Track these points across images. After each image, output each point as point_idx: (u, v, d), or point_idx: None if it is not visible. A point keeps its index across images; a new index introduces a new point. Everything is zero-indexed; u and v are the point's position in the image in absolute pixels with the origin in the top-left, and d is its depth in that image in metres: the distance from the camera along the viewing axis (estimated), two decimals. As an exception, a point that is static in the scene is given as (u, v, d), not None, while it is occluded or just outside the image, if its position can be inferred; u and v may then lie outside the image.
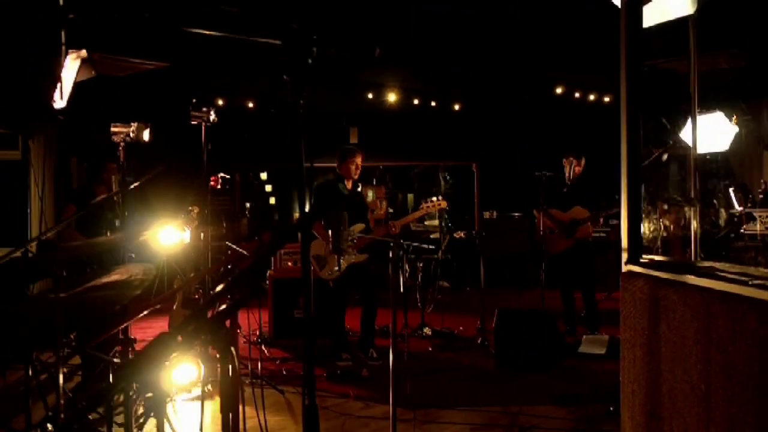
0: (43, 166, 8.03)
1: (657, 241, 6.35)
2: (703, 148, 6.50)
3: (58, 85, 4.14)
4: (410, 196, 13.46)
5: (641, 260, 2.66)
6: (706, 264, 2.38)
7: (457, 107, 10.26)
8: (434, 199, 6.62)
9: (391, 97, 9.63)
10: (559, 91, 9.02)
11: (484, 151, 11.20)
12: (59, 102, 4.16)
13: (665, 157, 8.57)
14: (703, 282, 2.16)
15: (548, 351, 6.08)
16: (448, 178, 14.43)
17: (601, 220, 6.84)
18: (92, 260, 5.10)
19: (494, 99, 9.91)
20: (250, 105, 9.47)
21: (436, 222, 10.77)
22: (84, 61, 4.26)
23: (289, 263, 7.33)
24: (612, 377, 5.74)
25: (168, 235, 5.95)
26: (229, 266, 4.54)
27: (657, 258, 2.66)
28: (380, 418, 4.86)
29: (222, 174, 9.61)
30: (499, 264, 10.44)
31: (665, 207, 5.55)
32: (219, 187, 9.58)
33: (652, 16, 3.23)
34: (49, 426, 2.33)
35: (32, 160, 7.87)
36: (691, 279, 2.22)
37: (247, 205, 12.65)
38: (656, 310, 2.41)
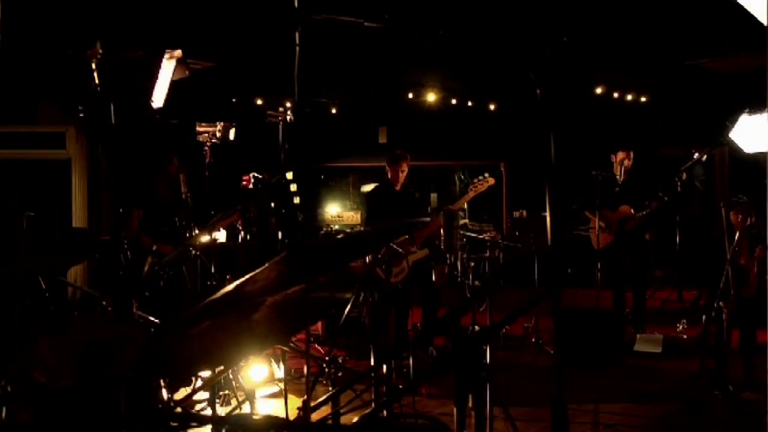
0: (86, 166, 8.02)
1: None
2: (750, 148, 6.61)
3: (156, 84, 4.15)
4: (433, 196, 13.47)
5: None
6: None
7: (492, 107, 10.32)
8: (481, 177, 6.62)
9: (431, 97, 9.68)
10: (598, 91, 9.10)
11: (514, 150, 11.26)
12: (157, 101, 4.18)
13: (704, 158, 8.66)
14: None
15: (608, 349, 6.14)
16: (462, 177, 14.45)
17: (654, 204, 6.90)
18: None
19: (529, 99, 9.95)
20: (288, 104, 9.47)
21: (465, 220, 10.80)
22: (179, 61, 4.27)
23: (341, 262, 7.34)
24: (676, 375, 5.85)
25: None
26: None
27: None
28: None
29: (254, 173, 9.56)
30: (528, 263, 10.51)
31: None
32: (251, 186, 9.55)
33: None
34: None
35: (75, 159, 7.85)
36: None
37: (272, 204, 12.58)
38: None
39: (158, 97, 4.18)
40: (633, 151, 7.02)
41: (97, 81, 2.95)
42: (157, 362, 1.89)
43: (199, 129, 4.62)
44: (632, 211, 6.88)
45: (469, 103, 10.26)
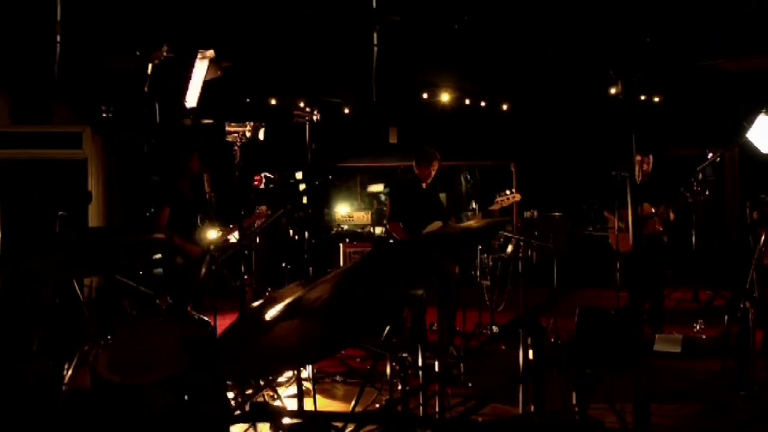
0: (103, 165, 8.03)
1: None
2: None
3: (189, 84, 4.15)
4: (442, 196, 13.44)
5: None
6: None
7: (504, 107, 10.35)
8: (507, 192, 6.68)
9: (444, 97, 9.69)
10: (612, 91, 9.11)
11: (524, 151, 11.27)
12: (190, 101, 4.18)
13: (718, 159, 8.67)
14: None
15: (631, 349, 6.14)
16: (469, 177, 14.43)
17: (672, 215, 6.93)
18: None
19: (543, 99, 9.99)
20: (301, 105, 9.50)
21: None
22: (212, 61, 4.27)
23: (359, 262, 7.37)
24: (697, 375, 5.85)
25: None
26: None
27: None
28: (490, 415, 4.90)
29: (265, 173, 9.55)
30: (540, 263, 10.52)
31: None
32: (262, 186, 9.53)
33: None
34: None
35: (91, 158, 7.86)
36: None
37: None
38: None
39: (191, 97, 4.18)
40: (652, 155, 7.05)
41: (148, 81, 2.95)
42: (233, 363, 1.89)
43: (229, 129, 4.62)
44: (652, 209, 6.90)
45: (482, 104, 10.26)
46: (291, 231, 6.53)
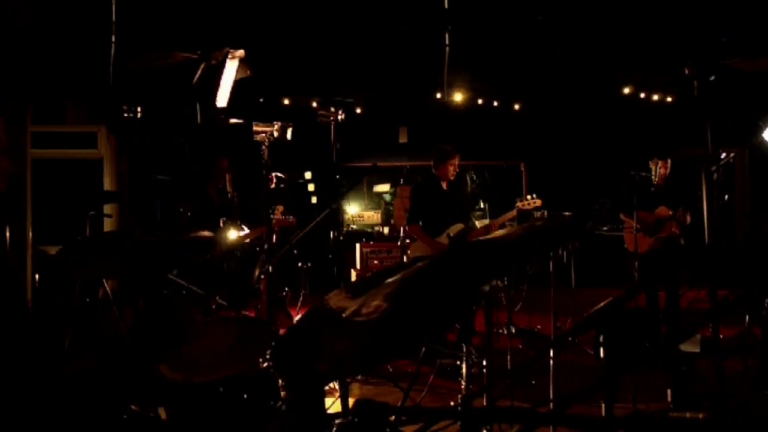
0: (117, 165, 8.02)
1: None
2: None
3: (220, 85, 4.16)
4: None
5: None
6: None
7: (516, 107, 10.36)
8: (529, 197, 6.71)
9: (457, 97, 9.71)
10: (626, 91, 9.14)
11: (534, 150, 11.28)
12: (221, 101, 4.19)
13: (731, 159, 8.70)
14: None
15: (652, 349, 6.16)
16: (475, 177, 14.43)
17: (688, 218, 6.95)
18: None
19: (553, 99, 10.00)
20: (314, 104, 9.54)
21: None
22: (241, 61, 4.28)
23: (376, 261, 7.38)
24: (715, 374, 5.84)
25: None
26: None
27: None
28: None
29: (276, 173, 9.56)
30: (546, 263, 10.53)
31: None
32: (273, 186, 9.54)
33: None
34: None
35: (106, 158, 7.86)
36: None
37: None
38: None
39: (222, 98, 4.18)
40: (670, 159, 7.07)
41: (195, 81, 2.95)
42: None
43: (257, 129, 4.63)
44: (669, 212, 6.92)
45: (495, 104, 10.28)
46: (334, 232, 6.54)
